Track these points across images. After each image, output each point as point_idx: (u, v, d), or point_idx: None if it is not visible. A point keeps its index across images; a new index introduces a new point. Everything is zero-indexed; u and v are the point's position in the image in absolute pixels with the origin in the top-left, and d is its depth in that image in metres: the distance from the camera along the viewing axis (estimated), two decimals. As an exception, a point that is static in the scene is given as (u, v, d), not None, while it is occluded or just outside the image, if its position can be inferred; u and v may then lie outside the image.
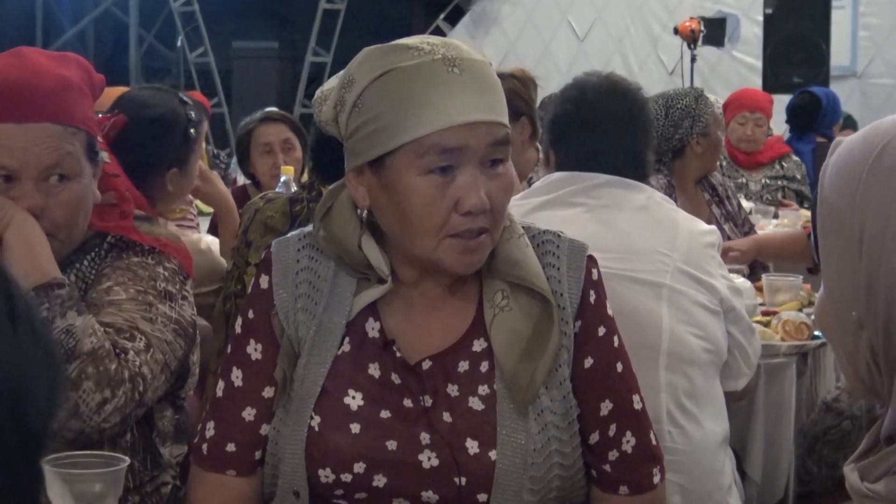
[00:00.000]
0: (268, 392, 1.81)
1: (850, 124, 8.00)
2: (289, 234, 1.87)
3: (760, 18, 9.06)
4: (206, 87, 11.96)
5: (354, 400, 1.77)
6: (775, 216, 5.64)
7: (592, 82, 2.66)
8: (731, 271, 3.31)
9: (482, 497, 1.73)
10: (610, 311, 1.86)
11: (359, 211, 1.78)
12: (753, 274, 4.04)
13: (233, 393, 1.83)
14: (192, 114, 2.96)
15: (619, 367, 1.85)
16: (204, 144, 3.25)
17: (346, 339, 1.79)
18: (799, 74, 8.34)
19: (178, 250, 2.08)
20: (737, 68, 10.62)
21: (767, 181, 6.07)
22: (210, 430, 1.84)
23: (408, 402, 1.77)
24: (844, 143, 1.27)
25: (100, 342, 1.86)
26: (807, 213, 5.27)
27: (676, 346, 2.47)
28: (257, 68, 12.26)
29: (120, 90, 4.79)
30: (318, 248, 1.82)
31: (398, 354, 1.78)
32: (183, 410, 2.16)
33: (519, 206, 2.49)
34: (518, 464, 1.73)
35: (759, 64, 9.06)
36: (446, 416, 1.76)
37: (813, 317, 3.27)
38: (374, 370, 1.78)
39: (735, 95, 6.39)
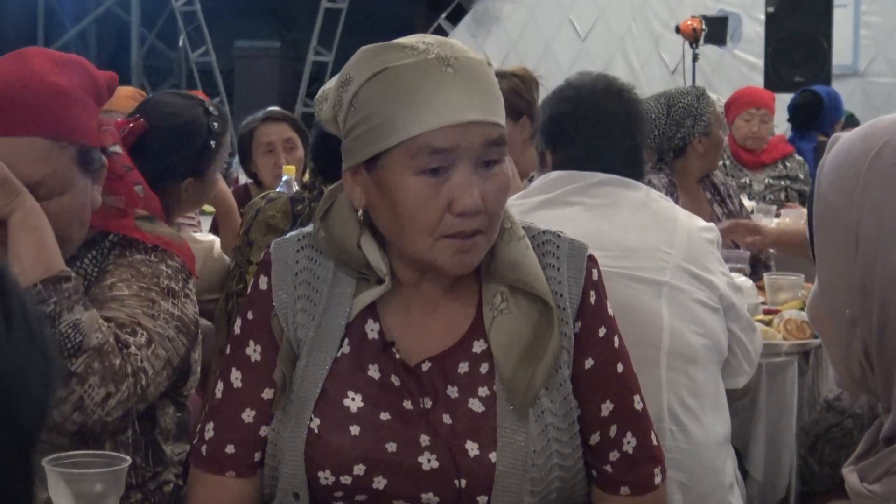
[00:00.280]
0: (267, 393, 1.81)
1: (853, 123, 7.99)
2: (287, 235, 1.87)
3: (762, 17, 9.06)
4: (208, 86, 11.97)
5: (354, 402, 1.77)
6: (777, 215, 5.64)
7: (588, 82, 2.67)
8: (732, 270, 3.31)
9: (482, 499, 1.73)
10: (610, 312, 1.85)
11: (358, 211, 1.78)
12: (755, 273, 4.04)
13: (232, 394, 1.83)
14: (215, 125, 2.94)
15: (620, 367, 1.85)
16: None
17: (346, 341, 1.79)
18: (801, 73, 8.34)
19: (181, 248, 2.07)
20: (738, 67, 10.61)
21: (771, 181, 6.06)
22: (209, 431, 1.84)
23: (407, 404, 1.76)
24: (842, 140, 1.27)
25: (105, 337, 1.86)
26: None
27: (677, 344, 2.48)
28: (259, 68, 12.26)
29: (129, 89, 4.80)
30: (318, 249, 1.81)
31: (398, 356, 1.78)
32: (185, 409, 2.16)
33: (517, 206, 2.49)
34: (518, 465, 1.72)
35: (760, 63, 9.05)
36: (446, 418, 1.75)
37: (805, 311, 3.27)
38: (373, 372, 1.78)
39: (738, 93, 6.38)
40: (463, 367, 1.78)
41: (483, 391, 1.76)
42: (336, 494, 1.76)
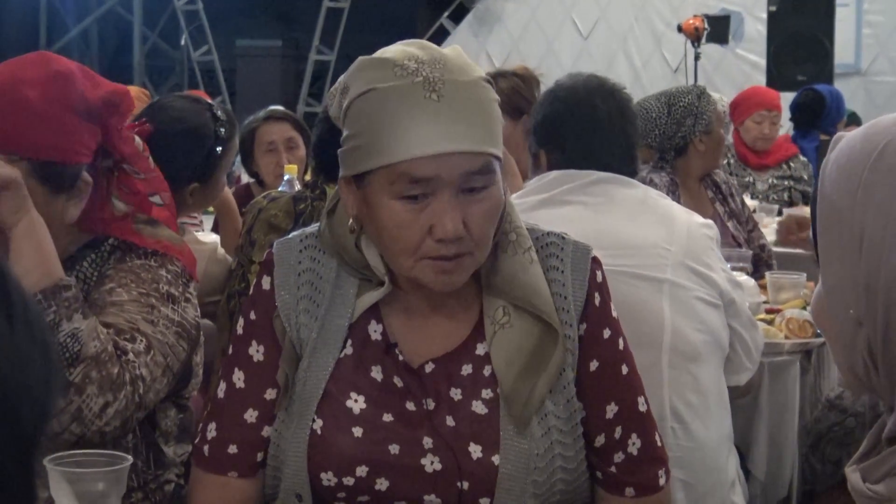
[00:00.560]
0: (269, 394, 1.81)
1: (855, 121, 7.98)
2: (290, 235, 1.87)
3: (764, 16, 9.05)
4: (210, 85, 11.98)
5: (357, 403, 1.76)
6: (779, 213, 5.64)
7: (580, 82, 2.68)
8: (734, 269, 3.31)
9: (485, 501, 1.73)
10: (614, 314, 1.85)
11: (350, 222, 1.77)
12: (757, 271, 4.04)
13: (234, 394, 1.82)
14: (222, 130, 2.93)
15: (625, 369, 1.85)
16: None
17: (349, 342, 1.79)
18: (803, 72, 8.33)
19: (181, 252, 2.06)
20: (741, 66, 10.61)
21: (775, 181, 6.06)
22: (211, 431, 1.84)
23: (410, 406, 1.76)
24: (845, 140, 1.26)
25: (103, 345, 1.85)
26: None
27: (679, 342, 2.48)
28: (261, 67, 12.27)
29: (133, 89, 4.79)
30: (321, 249, 1.81)
31: (400, 357, 1.77)
32: (187, 410, 2.16)
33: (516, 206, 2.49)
34: (521, 468, 1.72)
35: (762, 61, 9.05)
36: (449, 420, 1.75)
37: (809, 312, 3.27)
38: (376, 373, 1.78)
39: (747, 93, 6.36)
40: (466, 370, 1.77)
41: (486, 393, 1.76)
42: (338, 495, 1.76)
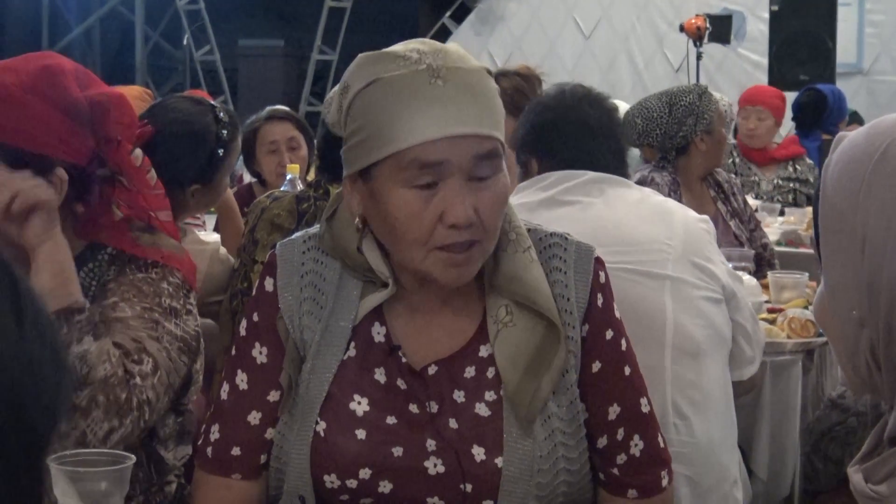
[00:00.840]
0: (273, 396, 1.80)
1: (857, 120, 7.98)
2: (293, 236, 1.86)
3: (766, 15, 9.05)
4: (212, 85, 11.98)
5: (360, 405, 1.76)
6: (781, 213, 5.64)
7: (567, 91, 2.71)
8: (736, 268, 3.31)
9: (488, 503, 1.73)
10: (617, 314, 1.85)
11: (356, 221, 1.77)
12: (759, 271, 4.04)
13: (238, 396, 1.82)
14: (224, 133, 2.92)
15: (627, 370, 1.84)
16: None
17: (352, 344, 1.78)
18: (805, 72, 8.33)
19: (181, 262, 2.04)
20: (743, 65, 10.61)
21: (780, 182, 6.05)
22: (215, 433, 1.84)
23: (414, 408, 1.76)
24: (846, 141, 1.26)
25: (113, 369, 1.84)
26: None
27: (681, 338, 2.48)
28: (263, 66, 12.26)
29: (136, 89, 4.79)
30: (324, 251, 1.81)
31: (404, 360, 1.77)
32: (186, 412, 2.15)
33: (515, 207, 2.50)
34: (524, 470, 1.72)
35: (764, 61, 9.05)
36: (452, 423, 1.75)
37: (811, 311, 3.27)
38: (379, 375, 1.77)
39: (744, 92, 6.41)
40: (469, 372, 1.77)
41: (490, 396, 1.76)
42: (342, 498, 1.75)
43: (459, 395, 1.76)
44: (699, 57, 8.37)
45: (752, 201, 4.97)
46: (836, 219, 1.24)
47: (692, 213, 2.66)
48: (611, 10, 11.27)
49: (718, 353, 2.57)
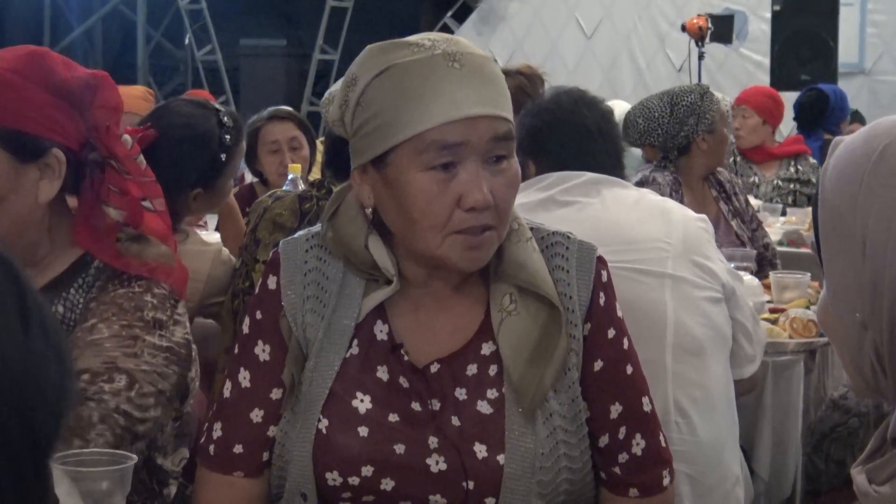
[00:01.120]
0: (275, 393, 1.81)
1: (858, 119, 7.97)
2: (297, 235, 1.86)
3: (768, 15, 9.04)
4: (214, 84, 11.97)
5: (362, 403, 1.76)
6: (783, 213, 5.63)
7: (563, 93, 2.73)
8: (738, 268, 3.31)
9: (490, 501, 1.73)
10: (619, 313, 1.85)
11: (367, 211, 1.77)
12: (761, 271, 4.04)
13: (240, 394, 1.82)
14: (227, 137, 2.91)
15: (629, 369, 1.84)
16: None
17: (355, 342, 1.79)
18: (807, 71, 8.33)
19: (169, 273, 2.00)
20: (744, 65, 10.60)
21: (780, 183, 6.03)
22: (217, 430, 1.84)
23: (416, 406, 1.76)
24: (844, 144, 1.26)
25: None
26: (814, 212, 5.24)
27: (682, 336, 2.49)
28: (265, 66, 12.27)
29: (139, 89, 4.80)
30: (327, 249, 1.81)
31: (406, 358, 1.78)
32: (182, 417, 2.11)
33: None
34: (526, 468, 1.72)
35: (766, 61, 9.05)
36: (454, 420, 1.75)
37: (813, 311, 3.27)
38: (382, 373, 1.78)
39: (738, 95, 6.43)
40: (471, 370, 1.77)
41: (491, 393, 1.76)
42: (344, 495, 1.76)
43: (461, 393, 1.76)
44: (701, 57, 8.36)
45: (753, 201, 4.97)
46: (835, 221, 1.23)
47: (690, 213, 2.67)
48: (612, 9, 11.27)
49: (719, 351, 2.57)
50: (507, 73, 4.10)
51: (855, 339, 1.23)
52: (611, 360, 1.82)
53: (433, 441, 1.74)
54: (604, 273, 1.83)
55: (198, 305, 2.92)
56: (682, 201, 3.79)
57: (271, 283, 1.82)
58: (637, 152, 4.96)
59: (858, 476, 1.23)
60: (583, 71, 10.77)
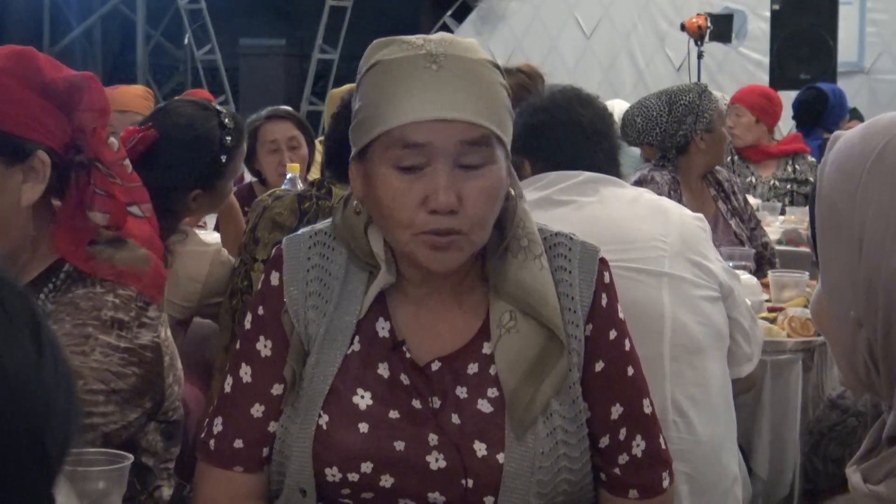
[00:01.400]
0: (276, 389, 1.81)
1: (857, 117, 7.97)
2: (300, 231, 1.87)
3: (767, 14, 9.05)
4: (213, 84, 11.97)
5: (363, 399, 1.77)
6: (782, 212, 5.63)
7: (557, 92, 2.74)
8: (736, 267, 3.31)
9: (489, 500, 1.73)
10: (621, 315, 1.85)
11: (354, 204, 1.79)
12: (760, 270, 4.04)
13: (241, 389, 1.83)
14: (228, 139, 2.91)
15: (630, 370, 1.85)
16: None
17: (356, 338, 1.79)
18: (806, 70, 8.33)
19: (139, 277, 1.94)
20: (744, 64, 10.60)
21: (777, 183, 6.02)
22: (218, 425, 1.84)
23: (416, 403, 1.76)
24: (843, 140, 1.26)
25: None
26: (812, 210, 5.23)
27: (680, 335, 2.49)
28: (264, 66, 12.26)
29: (139, 88, 4.80)
30: (330, 245, 1.82)
31: (408, 355, 1.78)
32: (170, 421, 2.08)
33: None
34: (526, 467, 1.72)
35: (766, 60, 9.05)
36: (455, 418, 1.75)
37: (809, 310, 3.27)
38: (383, 370, 1.78)
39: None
40: (472, 368, 1.78)
41: (492, 392, 1.76)
42: (343, 491, 1.76)
43: (462, 392, 1.76)
44: (700, 56, 8.37)
45: (752, 200, 4.97)
46: (833, 218, 1.23)
47: (687, 212, 2.67)
48: (612, 9, 11.27)
49: (717, 350, 2.57)
50: (508, 71, 4.11)
51: (849, 336, 1.23)
52: (612, 361, 1.82)
53: (433, 438, 1.74)
54: (606, 274, 1.83)
55: (197, 305, 2.92)
56: (680, 200, 3.79)
57: (274, 279, 1.83)
58: (636, 151, 4.96)
59: (854, 475, 1.23)
60: (582, 70, 10.77)
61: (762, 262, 4.20)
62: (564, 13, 11.46)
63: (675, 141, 4.13)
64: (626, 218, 2.55)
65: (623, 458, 1.83)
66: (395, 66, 1.67)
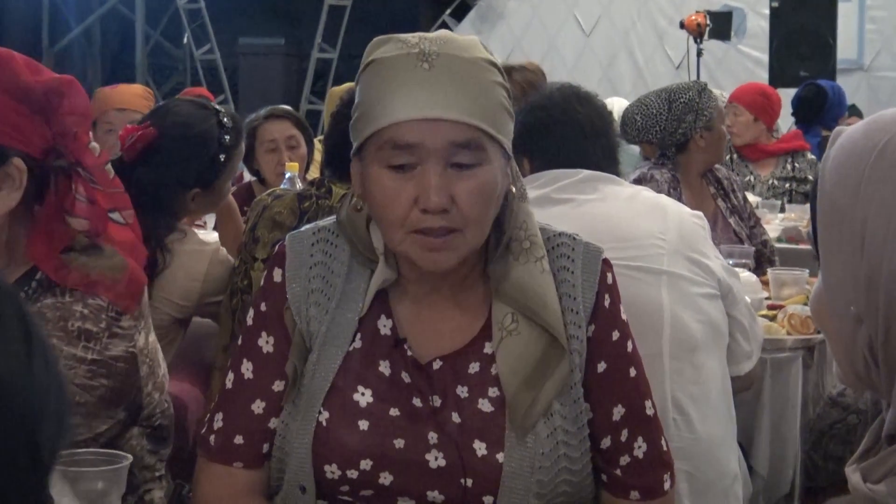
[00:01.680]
0: (277, 385, 1.81)
1: (856, 113, 7.97)
2: (303, 228, 1.87)
3: (767, 12, 9.04)
4: (213, 84, 11.96)
5: (364, 397, 1.77)
6: (782, 210, 5.63)
7: (555, 90, 2.74)
8: (736, 265, 3.31)
9: (488, 499, 1.73)
10: (624, 316, 1.85)
11: (353, 201, 1.79)
12: (759, 268, 4.04)
13: (242, 385, 1.83)
14: (227, 138, 2.91)
15: (632, 371, 1.84)
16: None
17: (358, 336, 1.79)
18: (805, 68, 8.33)
19: (111, 286, 1.90)
20: (743, 62, 10.60)
21: (776, 182, 6.01)
22: (218, 421, 1.84)
23: (417, 402, 1.76)
24: (845, 136, 1.26)
25: None
26: (812, 207, 5.22)
27: (679, 333, 2.49)
28: (263, 65, 12.26)
29: (139, 88, 4.80)
30: (333, 243, 1.82)
31: (409, 353, 1.78)
32: (157, 426, 2.06)
33: None
34: (525, 467, 1.72)
35: (765, 58, 9.05)
36: (455, 417, 1.75)
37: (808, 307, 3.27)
38: (384, 368, 1.78)
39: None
40: (473, 368, 1.78)
41: (493, 392, 1.76)
42: (342, 489, 1.76)
43: (463, 391, 1.76)
44: (700, 54, 8.37)
45: (752, 198, 4.96)
46: (834, 214, 1.23)
47: (686, 209, 2.67)
48: (611, 7, 11.27)
49: (716, 347, 2.57)
50: (515, 68, 4.13)
51: (848, 332, 1.23)
52: (614, 362, 1.82)
53: (433, 437, 1.74)
54: (609, 275, 1.83)
55: (196, 305, 2.93)
56: (680, 198, 3.79)
57: (276, 275, 1.83)
58: (635, 149, 4.96)
59: (853, 475, 1.23)
60: (582, 68, 10.77)
61: (762, 260, 4.20)
62: (564, 11, 11.46)
63: (675, 139, 4.13)
64: (624, 216, 2.55)
65: (624, 460, 1.83)
66: (388, 64, 1.66)
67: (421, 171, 1.65)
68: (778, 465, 3.27)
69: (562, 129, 2.65)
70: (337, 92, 4.57)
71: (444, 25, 11.64)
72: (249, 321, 1.85)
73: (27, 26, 13.10)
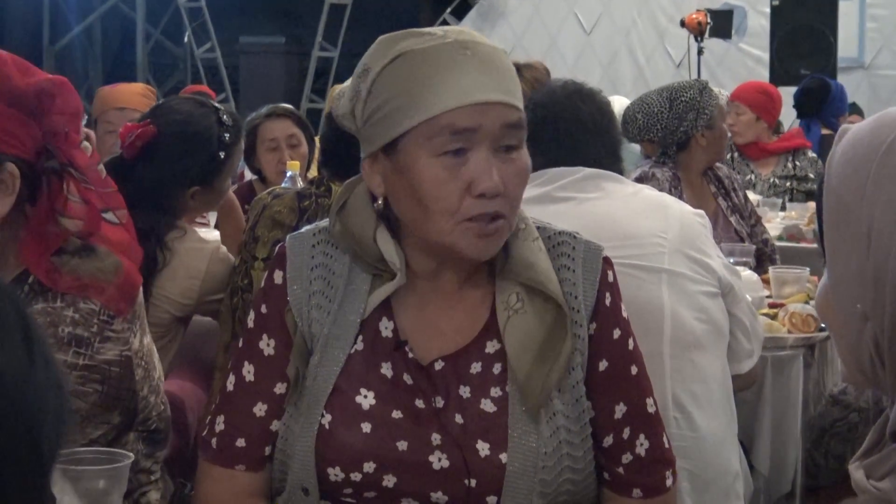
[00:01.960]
0: (279, 388, 1.81)
1: (857, 112, 7.97)
2: (303, 229, 1.86)
3: (767, 10, 9.04)
4: (213, 82, 11.97)
5: (366, 399, 1.76)
6: (783, 208, 5.63)
7: (558, 86, 2.74)
8: (737, 264, 3.31)
9: (492, 499, 1.73)
10: (625, 314, 1.85)
11: (375, 204, 1.77)
12: (760, 266, 4.04)
13: (244, 387, 1.82)
14: (226, 136, 2.91)
15: (634, 369, 1.84)
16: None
17: (360, 338, 1.79)
18: (806, 66, 8.32)
19: (102, 289, 1.88)
20: (744, 60, 10.60)
21: (776, 181, 6.01)
22: (220, 424, 1.84)
23: (419, 403, 1.76)
24: (851, 133, 1.26)
25: None
26: (814, 206, 5.23)
27: (679, 331, 2.49)
28: (264, 64, 12.28)
29: (139, 86, 4.80)
30: (334, 244, 1.81)
31: (411, 355, 1.77)
32: (152, 429, 2.04)
33: None
34: (528, 467, 1.72)
35: (766, 56, 9.05)
36: (458, 418, 1.75)
37: (812, 306, 3.27)
38: (386, 370, 1.78)
39: (734, 91, 6.38)
40: (476, 368, 1.77)
41: (495, 392, 1.76)
42: (345, 491, 1.76)
43: (465, 391, 1.76)
44: (700, 52, 8.37)
45: (753, 196, 4.96)
46: (841, 212, 1.23)
47: (687, 207, 2.66)
48: (611, 5, 11.27)
49: (717, 346, 2.57)
50: (523, 66, 4.12)
51: (854, 329, 1.23)
52: (616, 360, 1.82)
53: (436, 438, 1.74)
54: (610, 273, 1.83)
55: (196, 303, 2.92)
56: (681, 197, 3.79)
57: (277, 277, 1.82)
58: (636, 148, 4.96)
59: (856, 472, 1.23)
60: (582, 67, 10.76)
61: (763, 259, 4.20)
62: (564, 10, 11.46)
63: (676, 137, 4.13)
64: (625, 214, 2.55)
65: (626, 458, 1.83)
66: (427, 55, 1.66)
67: (473, 157, 1.66)
68: (779, 464, 3.27)
69: (563, 125, 2.65)
70: (339, 89, 4.57)
71: (445, 24, 11.62)
72: (250, 323, 1.85)
73: (28, 25, 13.11)
